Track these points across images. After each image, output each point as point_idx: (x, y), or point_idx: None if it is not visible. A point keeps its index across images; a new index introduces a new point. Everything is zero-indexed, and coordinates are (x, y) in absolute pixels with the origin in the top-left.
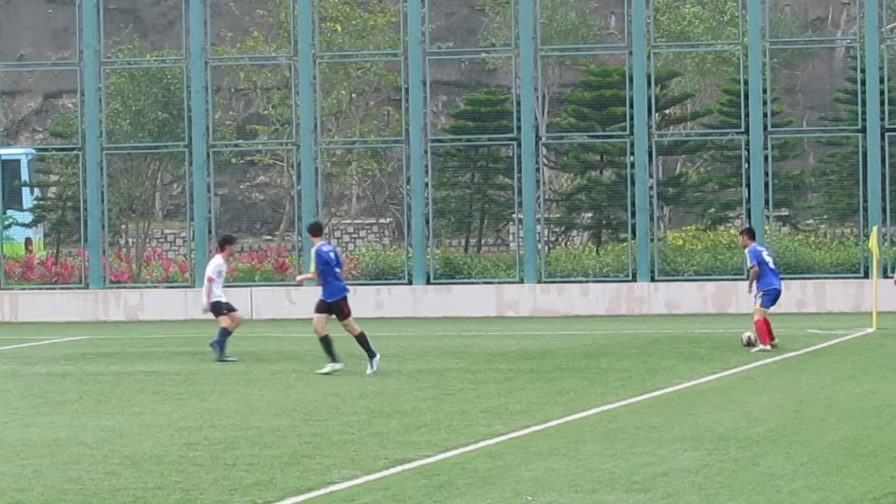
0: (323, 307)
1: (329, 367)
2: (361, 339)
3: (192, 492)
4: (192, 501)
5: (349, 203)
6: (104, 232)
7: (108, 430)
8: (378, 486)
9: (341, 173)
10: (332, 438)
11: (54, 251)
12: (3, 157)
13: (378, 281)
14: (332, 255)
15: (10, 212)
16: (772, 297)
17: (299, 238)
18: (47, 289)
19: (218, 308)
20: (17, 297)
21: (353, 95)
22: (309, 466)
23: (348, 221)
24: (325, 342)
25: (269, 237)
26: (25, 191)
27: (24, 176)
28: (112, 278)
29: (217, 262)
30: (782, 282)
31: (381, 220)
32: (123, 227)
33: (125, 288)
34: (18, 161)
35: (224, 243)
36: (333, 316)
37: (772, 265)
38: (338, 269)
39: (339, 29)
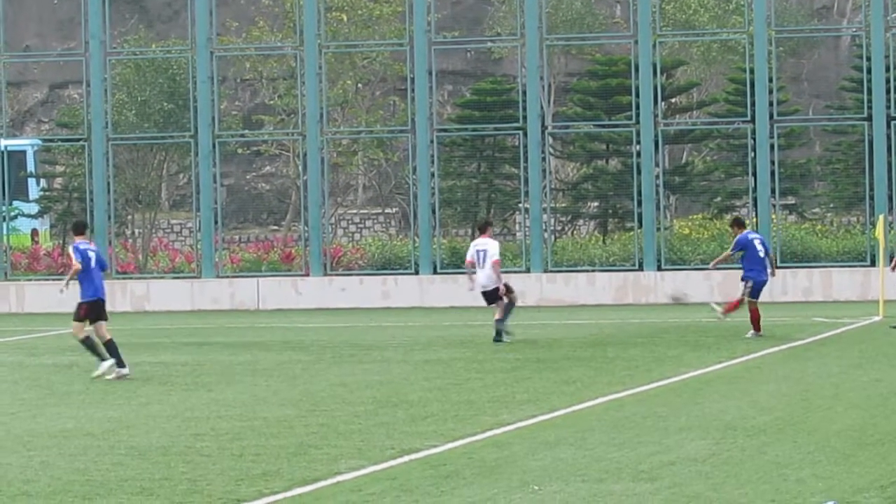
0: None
1: (101, 369)
2: (109, 346)
3: (199, 482)
4: (199, 492)
5: (355, 193)
6: (110, 223)
7: (115, 420)
8: (385, 476)
9: (347, 163)
10: (339, 429)
11: (60, 242)
12: (8, 149)
13: (384, 271)
14: (90, 253)
15: (16, 203)
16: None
17: (306, 228)
18: (54, 280)
19: (496, 293)
20: (23, 288)
21: (359, 85)
22: (316, 457)
23: (354, 211)
24: (87, 343)
25: (275, 227)
26: (31, 182)
27: (30, 167)
28: (118, 269)
29: (497, 244)
30: (789, 270)
31: (388, 210)
32: (129, 217)
33: (131, 279)
34: (24, 152)
35: (486, 226)
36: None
37: (761, 254)
38: (94, 269)
39: (345, 19)
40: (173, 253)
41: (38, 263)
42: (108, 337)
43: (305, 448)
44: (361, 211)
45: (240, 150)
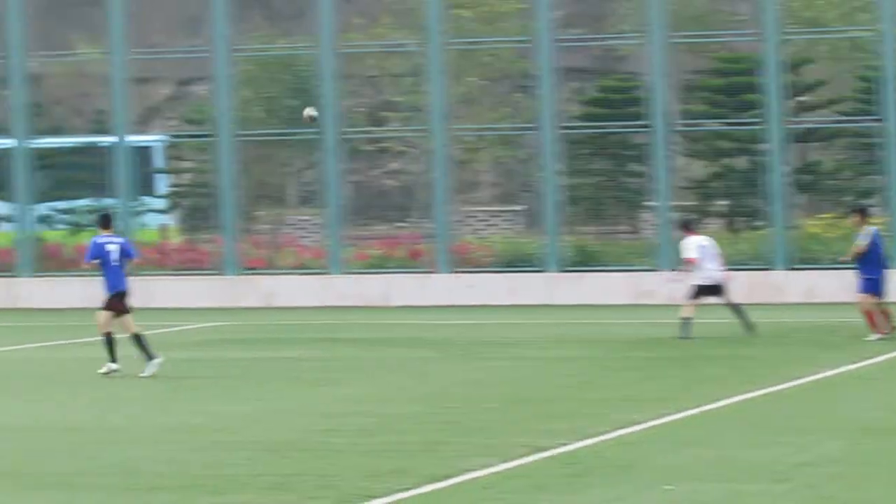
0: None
1: (105, 368)
2: (136, 340)
3: (330, 478)
4: (330, 488)
5: (481, 190)
6: (238, 218)
7: (245, 416)
8: (517, 473)
9: (473, 160)
10: (469, 425)
11: (188, 238)
12: (136, 145)
13: (511, 268)
14: (110, 246)
15: (144, 199)
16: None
17: (432, 225)
18: (182, 275)
19: (694, 292)
20: (152, 284)
21: (484, 82)
22: (445, 453)
23: (481, 208)
24: (106, 339)
25: (401, 224)
26: (159, 178)
27: (158, 163)
28: (247, 264)
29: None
30: None
31: (514, 208)
32: (257, 213)
33: (259, 274)
34: (152, 148)
35: (694, 223)
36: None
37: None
38: (115, 263)
39: (469, 15)
40: (301, 249)
41: (167, 259)
42: (134, 331)
43: (435, 444)
44: (488, 208)
45: (365, 147)
